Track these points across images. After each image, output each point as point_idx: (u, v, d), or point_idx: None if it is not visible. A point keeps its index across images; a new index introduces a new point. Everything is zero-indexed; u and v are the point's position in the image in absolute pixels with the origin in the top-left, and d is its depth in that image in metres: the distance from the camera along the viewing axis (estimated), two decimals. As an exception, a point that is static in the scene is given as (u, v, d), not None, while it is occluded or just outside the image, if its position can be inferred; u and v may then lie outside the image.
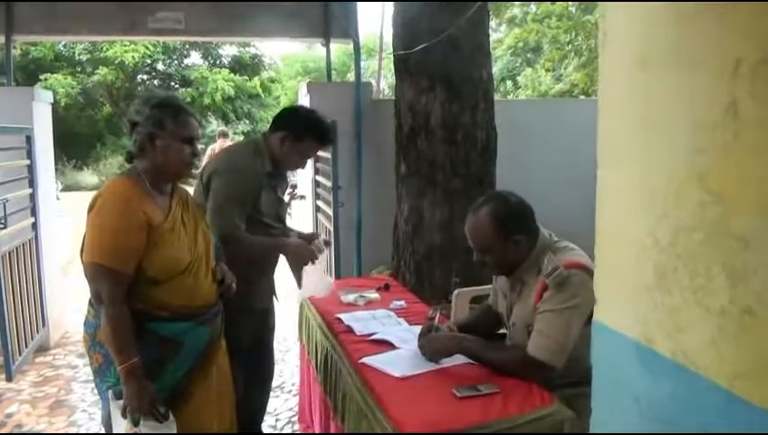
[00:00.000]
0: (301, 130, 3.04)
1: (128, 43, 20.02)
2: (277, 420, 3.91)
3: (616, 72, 1.02)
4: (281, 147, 3.02)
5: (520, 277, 2.48)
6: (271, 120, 3.19)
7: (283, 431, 3.77)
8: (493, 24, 13.51)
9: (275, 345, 5.22)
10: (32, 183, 4.96)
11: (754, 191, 0.75)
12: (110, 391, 2.24)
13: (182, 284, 2.29)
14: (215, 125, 22.34)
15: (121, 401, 2.18)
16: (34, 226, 5.05)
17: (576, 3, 13.14)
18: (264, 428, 3.72)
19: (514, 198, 2.51)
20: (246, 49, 23.32)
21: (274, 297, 3.31)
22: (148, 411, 2.15)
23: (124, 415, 2.16)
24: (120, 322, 2.15)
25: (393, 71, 5.37)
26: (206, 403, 2.41)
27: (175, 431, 2.19)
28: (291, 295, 3.85)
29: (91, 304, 2.32)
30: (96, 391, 2.50)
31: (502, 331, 2.79)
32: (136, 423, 2.14)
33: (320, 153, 5.54)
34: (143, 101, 2.33)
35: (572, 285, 2.25)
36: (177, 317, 2.29)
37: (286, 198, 3.38)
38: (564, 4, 13.50)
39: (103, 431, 2.46)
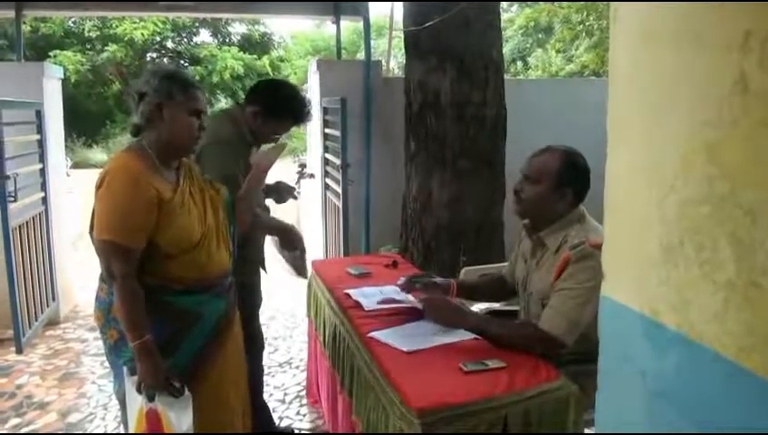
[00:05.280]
0: (275, 107, 3.00)
1: (137, 20, 19.98)
2: (285, 395, 3.95)
3: (625, 48, 1.02)
4: (254, 121, 2.98)
5: (542, 241, 2.49)
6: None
7: (292, 406, 3.80)
8: (504, 3, 13.42)
9: (282, 322, 5.31)
10: (42, 158, 5.00)
11: (762, 164, 0.75)
12: (126, 367, 2.25)
13: (195, 257, 2.28)
14: (223, 103, 22.33)
15: (136, 377, 2.19)
16: (44, 200, 5.09)
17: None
18: (272, 402, 3.76)
19: (588, 165, 2.50)
20: (256, 27, 23.25)
21: (262, 270, 3.26)
22: (163, 387, 2.16)
23: (139, 390, 2.17)
24: (132, 298, 2.14)
25: (403, 50, 5.35)
26: (223, 375, 2.43)
27: (190, 406, 2.20)
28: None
29: (103, 280, 2.32)
30: (108, 365, 2.51)
31: (502, 307, 2.83)
32: (151, 399, 2.15)
33: (329, 131, 5.54)
34: (151, 72, 2.30)
35: (593, 265, 2.24)
36: (193, 290, 2.30)
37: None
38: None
39: (118, 407, 2.48)
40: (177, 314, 2.28)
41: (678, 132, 0.88)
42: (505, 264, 3.00)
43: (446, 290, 2.84)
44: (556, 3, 13.80)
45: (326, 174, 5.76)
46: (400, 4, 5.21)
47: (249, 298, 3.03)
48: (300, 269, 3.21)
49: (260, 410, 3.20)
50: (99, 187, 2.20)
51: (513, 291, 2.81)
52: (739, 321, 0.80)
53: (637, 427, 1.02)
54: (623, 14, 1.01)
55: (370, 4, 5.82)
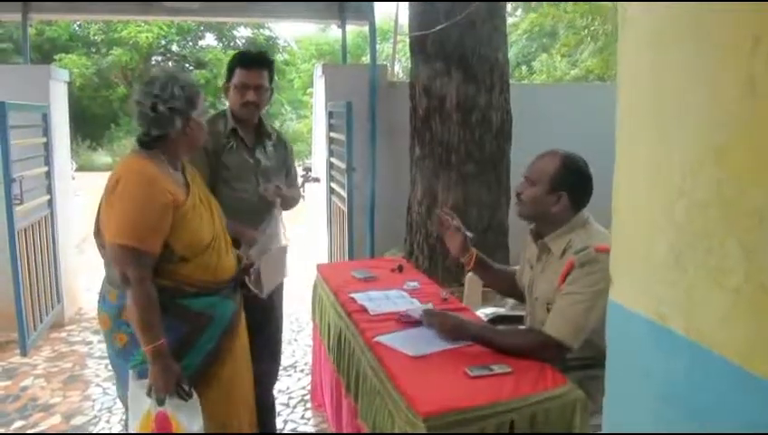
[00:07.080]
0: (228, 65, 3.02)
1: (142, 24, 20.06)
2: (290, 399, 3.94)
3: (634, 51, 1.02)
4: (227, 96, 3.01)
5: (547, 246, 2.48)
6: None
7: (296, 410, 3.80)
8: (509, 8, 13.41)
9: (287, 325, 5.30)
10: (48, 161, 5.01)
11: (772, 168, 0.75)
12: (132, 371, 2.25)
13: (207, 259, 2.30)
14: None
15: (144, 381, 2.19)
16: (50, 203, 5.09)
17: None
18: (277, 406, 3.75)
19: (589, 171, 2.49)
20: (261, 31, 23.32)
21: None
22: (174, 391, 2.17)
23: (149, 394, 2.18)
24: (147, 302, 2.15)
25: (408, 54, 5.35)
26: (234, 373, 2.45)
27: (199, 408, 2.22)
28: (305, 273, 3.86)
29: (110, 283, 2.32)
30: (111, 368, 2.51)
31: (508, 312, 2.83)
32: (161, 403, 2.17)
33: (334, 135, 5.54)
34: (153, 78, 2.32)
35: (599, 268, 2.23)
36: (205, 292, 2.31)
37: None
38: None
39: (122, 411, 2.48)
40: (190, 316, 2.29)
41: (687, 135, 0.88)
42: (514, 267, 2.99)
43: (465, 248, 2.83)
44: (561, 7, 13.80)
45: (331, 178, 5.76)
46: (406, 7, 5.22)
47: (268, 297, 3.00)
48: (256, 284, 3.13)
49: (270, 409, 3.21)
50: (112, 190, 2.19)
51: (521, 294, 2.81)
52: (747, 325, 0.80)
53: (644, 431, 1.02)
54: (632, 16, 1.01)
55: (375, 8, 5.82)
